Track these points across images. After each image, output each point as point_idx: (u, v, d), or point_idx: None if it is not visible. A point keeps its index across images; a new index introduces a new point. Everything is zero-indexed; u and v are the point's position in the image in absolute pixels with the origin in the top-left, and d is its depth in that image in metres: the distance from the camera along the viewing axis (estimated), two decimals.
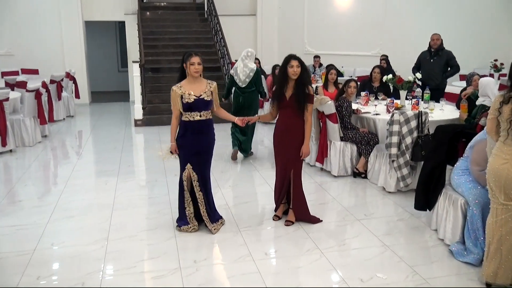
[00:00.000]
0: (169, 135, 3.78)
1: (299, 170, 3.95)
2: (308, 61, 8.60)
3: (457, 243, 3.43)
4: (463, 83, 6.24)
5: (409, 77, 5.83)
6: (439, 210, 3.67)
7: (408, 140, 4.58)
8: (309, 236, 3.78)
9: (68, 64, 10.82)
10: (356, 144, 5.26)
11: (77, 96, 10.27)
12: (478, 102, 4.54)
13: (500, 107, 2.83)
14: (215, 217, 3.92)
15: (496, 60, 8.70)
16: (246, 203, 4.58)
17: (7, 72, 10.02)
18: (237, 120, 3.88)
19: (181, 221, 3.86)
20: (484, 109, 4.25)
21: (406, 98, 5.85)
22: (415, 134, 4.57)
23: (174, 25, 11.13)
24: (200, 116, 3.67)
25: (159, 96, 8.92)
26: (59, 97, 8.97)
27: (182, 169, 3.76)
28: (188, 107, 3.62)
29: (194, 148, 3.70)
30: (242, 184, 5.34)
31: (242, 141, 6.09)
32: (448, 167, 3.74)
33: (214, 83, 3.77)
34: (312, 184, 5.10)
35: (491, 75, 8.35)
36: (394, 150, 4.64)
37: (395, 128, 4.61)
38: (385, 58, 8.80)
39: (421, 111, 4.65)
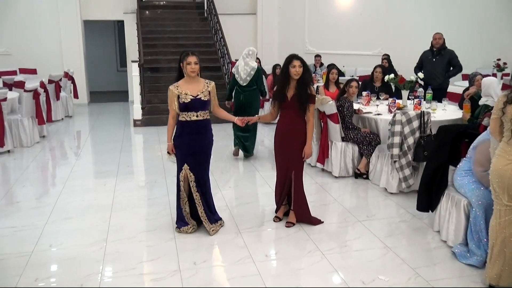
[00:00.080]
0: None
1: (300, 171, 3.92)
2: (309, 61, 8.56)
3: (460, 245, 3.40)
4: (466, 83, 6.21)
5: (411, 76, 5.81)
6: (442, 211, 3.65)
7: (410, 140, 4.55)
8: (310, 237, 3.75)
9: (66, 63, 10.78)
10: (357, 145, 5.23)
11: (76, 96, 10.24)
12: (481, 102, 4.52)
13: (504, 107, 2.82)
14: (214, 218, 3.88)
15: (499, 60, 8.68)
16: (247, 204, 4.55)
17: (4, 71, 9.96)
18: (236, 120, 3.84)
19: (180, 222, 3.83)
20: (487, 109, 4.22)
21: (408, 98, 5.83)
22: (417, 134, 4.54)
23: (173, 24, 11.10)
24: (197, 116, 3.63)
25: (159, 96, 8.88)
26: (58, 97, 8.94)
27: (179, 169, 3.73)
28: (185, 107, 3.59)
29: (190, 148, 3.67)
30: (243, 185, 5.30)
31: (244, 140, 6.07)
32: (451, 168, 3.71)
33: (212, 83, 3.74)
34: (313, 185, 5.07)
35: (494, 75, 8.32)
36: (396, 151, 4.61)
37: (397, 128, 4.58)
38: (386, 58, 8.76)
39: (423, 111, 4.62)
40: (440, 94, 6.32)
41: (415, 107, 5.31)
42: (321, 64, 10.15)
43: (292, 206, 3.99)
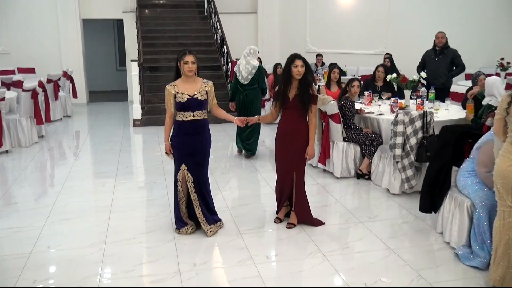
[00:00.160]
0: None
1: (302, 172, 3.88)
2: (310, 60, 8.53)
3: (463, 247, 3.38)
4: (469, 83, 6.18)
5: (414, 76, 5.77)
6: (445, 212, 3.62)
7: (413, 140, 4.52)
8: (312, 239, 3.72)
9: (65, 63, 10.73)
10: (359, 145, 5.19)
11: (75, 95, 10.22)
12: (484, 102, 4.49)
13: (508, 107, 2.80)
14: (213, 219, 3.84)
15: (502, 59, 8.65)
16: (247, 205, 4.51)
17: (3, 71, 9.88)
18: (236, 120, 3.81)
19: (179, 223, 3.80)
20: (491, 109, 4.19)
21: (411, 98, 5.80)
22: (420, 134, 4.51)
23: (173, 23, 11.06)
24: (194, 116, 3.59)
25: (158, 95, 8.82)
26: (56, 97, 8.90)
27: (177, 169, 3.70)
28: (181, 106, 3.55)
29: (187, 148, 3.64)
30: (243, 185, 5.27)
31: (247, 139, 6.05)
32: (454, 168, 3.68)
33: (210, 82, 3.70)
34: (314, 185, 5.04)
35: (497, 74, 8.29)
36: (398, 151, 4.57)
37: (400, 128, 4.54)
38: (389, 57, 8.72)
39: (426, 111, 4.59)
40: (443, 94, 6.29)
41: (417, 107, 5.30)
42: (323, 64, 10.12)
43: (293, 207, 3.96)
